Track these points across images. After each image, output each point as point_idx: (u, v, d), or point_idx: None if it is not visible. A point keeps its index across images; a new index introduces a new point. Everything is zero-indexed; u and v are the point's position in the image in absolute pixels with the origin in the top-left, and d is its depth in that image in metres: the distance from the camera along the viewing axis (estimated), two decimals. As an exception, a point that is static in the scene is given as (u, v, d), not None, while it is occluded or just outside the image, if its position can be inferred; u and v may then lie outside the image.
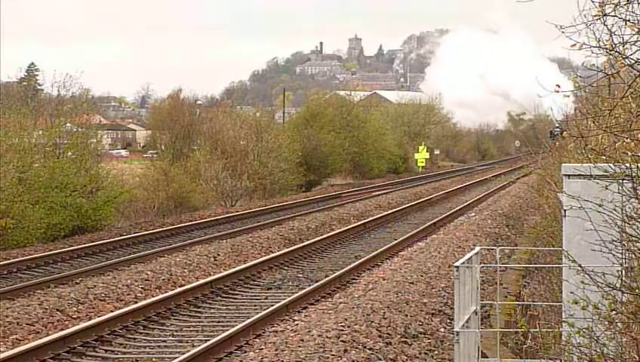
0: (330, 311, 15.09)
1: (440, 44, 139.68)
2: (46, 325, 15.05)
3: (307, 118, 56.96)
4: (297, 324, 14.23)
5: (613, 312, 6.78)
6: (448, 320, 14.89)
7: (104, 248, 24.04)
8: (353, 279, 19.24)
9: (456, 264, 8.00)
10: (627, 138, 6.85)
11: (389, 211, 34.53)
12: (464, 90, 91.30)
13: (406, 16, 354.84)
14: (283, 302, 16.03)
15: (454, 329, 8.01)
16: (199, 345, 12.99)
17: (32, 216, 25.99)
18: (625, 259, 7.24)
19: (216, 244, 24.45)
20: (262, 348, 12.73)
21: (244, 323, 14.08)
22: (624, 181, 7.14)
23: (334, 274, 19.21)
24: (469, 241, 24.30)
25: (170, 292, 17.13)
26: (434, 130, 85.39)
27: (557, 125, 37.89)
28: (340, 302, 15.94)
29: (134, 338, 14.24)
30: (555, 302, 9.85)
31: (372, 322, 14.03)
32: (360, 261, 21.28)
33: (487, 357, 9.46)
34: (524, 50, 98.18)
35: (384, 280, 18.27)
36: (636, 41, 6.56)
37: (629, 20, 6.48)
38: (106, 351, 13.50)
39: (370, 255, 22.34)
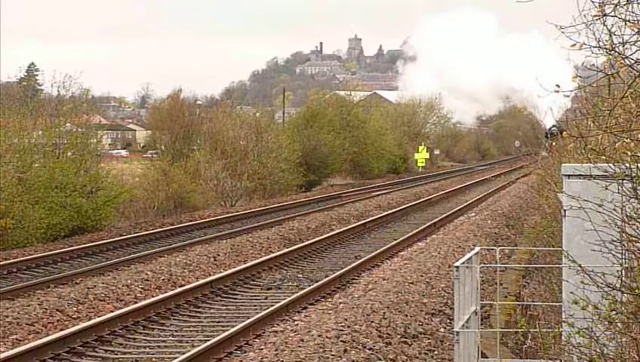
0: (330, 311, 15.09)
1: (407, 42, 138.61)
2: (46, 325, 15.04)
3: (307, 118, 56.92)
4: (297, 324, 14.23)
5: (613, 312, 6.77)
6: (448, 320, 14.89)
7: (104, 248, 24.03)
8: (353, 279, 19.24)
9: (456, 264, 8.00)
10: (627, 138, 6.85)
11: (389, 211, 34.52)
12: (428, 87, 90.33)
13: (406, 17, 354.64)
14: (283, 302, 16.02)
15: (454, 330, 8.01)
16: (199, 345, 13.00)
17: (32, 216, 25.98)
18: (625, 259, 7.23)
19: (216, 244, 24.44)
20: (262, 348, 12.73)
21: (244, 324, 14.07)
22: (624, 181, 7.14)
23: (334, 275, 19.20)
24: (469, 241, 24.30)
25: (170, 293, 17.12)
26: (434, 130, 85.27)
27: (554, 125, 37.89)
28: (340, 302, 15.94)
29: (134, 339, 14.24)
30: (555, 302, 9.84)
31: (372, 322, 14.03)
32: (360, 261, 21.27)
33: (487, 357, 9.45)
34: (489, 37, 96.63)
35: (384, 280, 18.27)
36: (636, 41, 6.55)
37: (628, 20, 6.48)
38: (106, 351, 13.50)
39: (370, 255, 22.34)
